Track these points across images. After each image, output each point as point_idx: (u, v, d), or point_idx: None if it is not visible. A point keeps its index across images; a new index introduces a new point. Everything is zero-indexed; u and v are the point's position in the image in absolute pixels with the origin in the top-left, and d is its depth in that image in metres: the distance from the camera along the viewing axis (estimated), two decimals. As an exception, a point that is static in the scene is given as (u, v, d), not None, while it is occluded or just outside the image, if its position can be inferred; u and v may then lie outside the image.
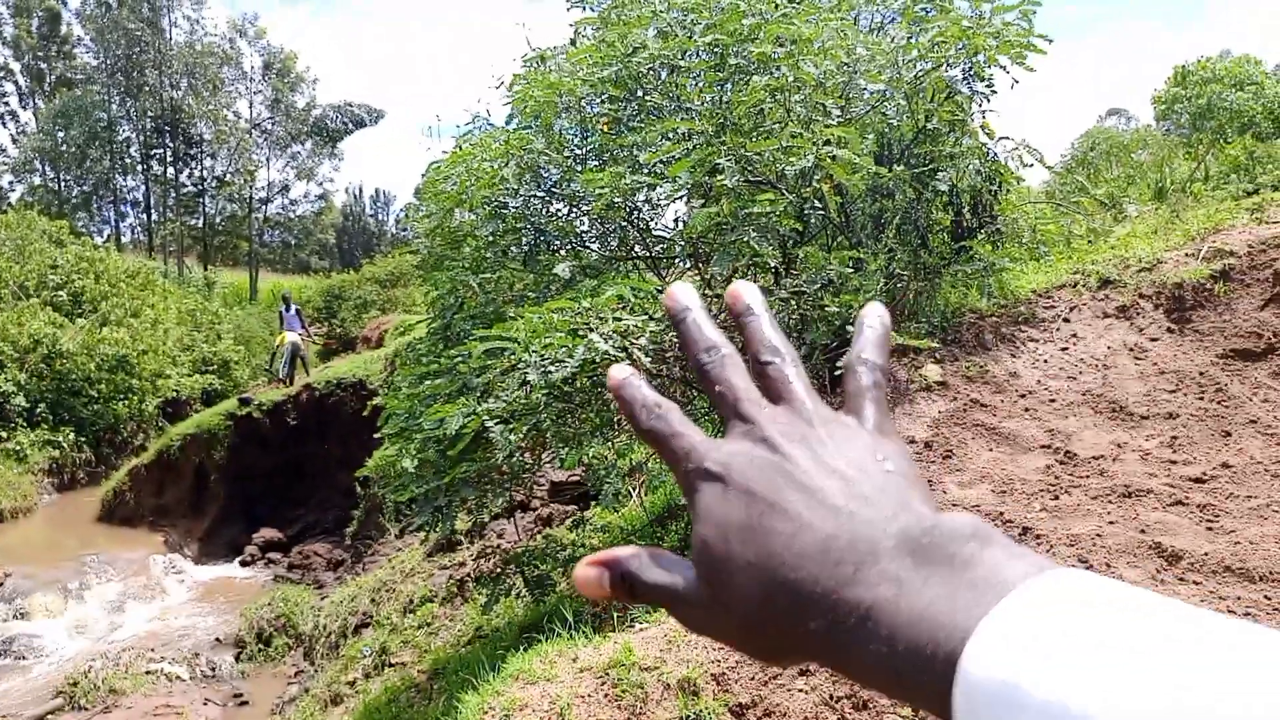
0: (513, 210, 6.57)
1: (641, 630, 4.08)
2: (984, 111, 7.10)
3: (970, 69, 6.73)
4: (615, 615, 4.52)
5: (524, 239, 6.95)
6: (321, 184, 43.07)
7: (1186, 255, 7.08)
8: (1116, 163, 17.05)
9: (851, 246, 6.23)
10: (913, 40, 6.32)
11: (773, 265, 5.89)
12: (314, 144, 40.92)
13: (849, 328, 5.67)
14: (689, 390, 6.20)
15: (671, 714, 3.54)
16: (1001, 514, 4.43)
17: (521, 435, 5.39)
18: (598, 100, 6.87)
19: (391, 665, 8.61)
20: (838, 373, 5.76)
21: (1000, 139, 6.88)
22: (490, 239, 6.58)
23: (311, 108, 40.57)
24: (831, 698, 3.42)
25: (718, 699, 3.52)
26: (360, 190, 62.27)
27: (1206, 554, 3.87)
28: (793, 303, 5.98)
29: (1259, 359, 6.13)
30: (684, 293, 0.54)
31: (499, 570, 6.43)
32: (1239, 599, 3.56)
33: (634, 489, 8.44)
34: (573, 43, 7.52)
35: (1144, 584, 3.75)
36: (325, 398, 17.56)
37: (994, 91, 6.80)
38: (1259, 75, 17.90)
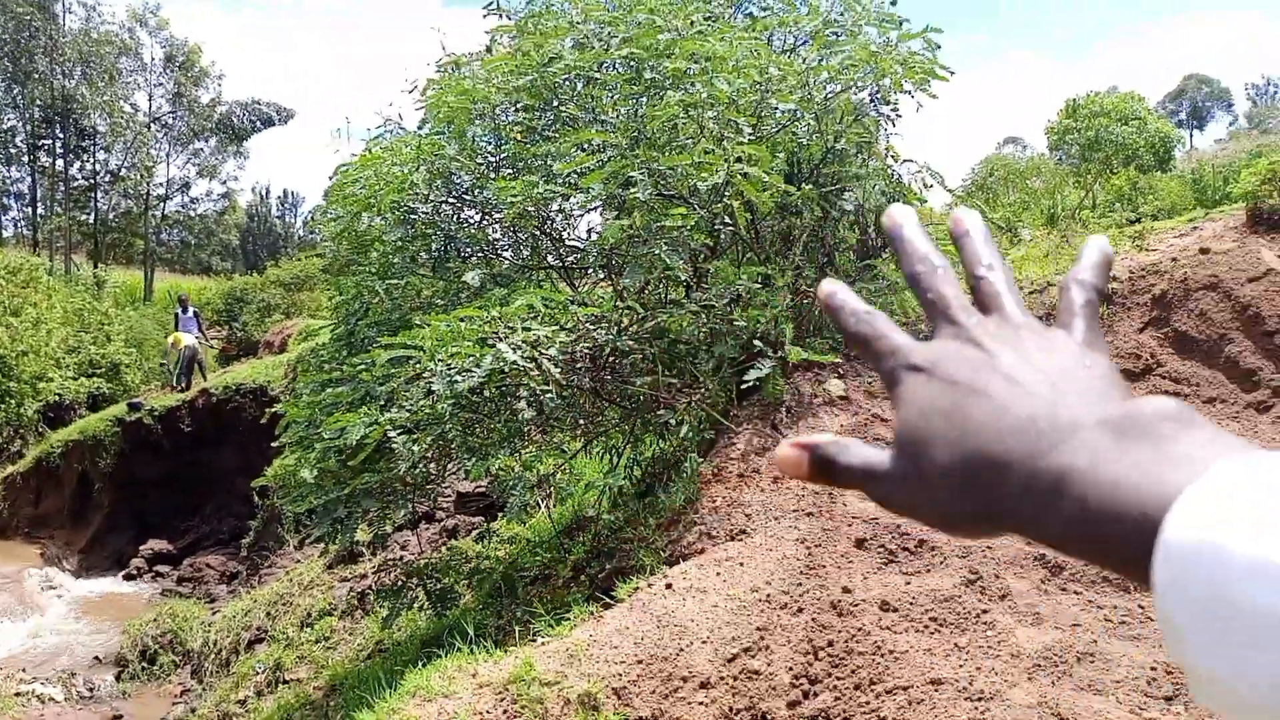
0: (422, 216, 6.46)
1: (544, 644, 4.03)
2: (890, 135, 7.35)
3: (877, 93, 6.95)
4: (518, 629, 4.46)
5: (434, 245, 6.84)
6: (225, 182, 41.41)
7: (1074, 279, 7.42)
8: (1013, 189, 17.85)
9: (760, 262, 6.34)
10: (823, 63, 6.48)
11: (683, 279, 5.93)
12: (218, 141, 39.34)
13: (756, 342, 5.77)
14: (598, 401, 6.19)
15: (572, 729, 3.51)
16: (899, 526, 4.55)
17: (426, 445, 5.29)
18: (512, 109, 6.83)
19: (286, 682, 8.30)
20: (744, 386, 5.84)
21: (904, 161, 7.12)
22: (399, 244, 6.46)
23: (217, 103, 39.03)
24: (731, 710, 3.44)
25: (618, 713, 3.51)
26: (268, 190, 60.28)
27: (1086, 565, 4.06)
28: (702, 316, 6.04)
29: (1138, 379, 6.49)
30: (901, 212, 0.57)
31: (400, 583, 6.28)
32: (1115, 607, 3.75)
33: (541, 500, 8.37)
34: (488, 50, 7.47)
35: (1030, 594, 3.91)
36: (223, 403, 16.88)
37: (899, 115, 7.04)
38: (1142, 111, 19.00)
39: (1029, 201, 15.87)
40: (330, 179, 7.08)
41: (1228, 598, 0.33)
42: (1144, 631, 3.54)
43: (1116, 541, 0.39)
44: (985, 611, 3.77)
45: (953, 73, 6.65)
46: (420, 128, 7.45)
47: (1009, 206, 15.11)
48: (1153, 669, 3.23)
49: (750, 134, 6.10)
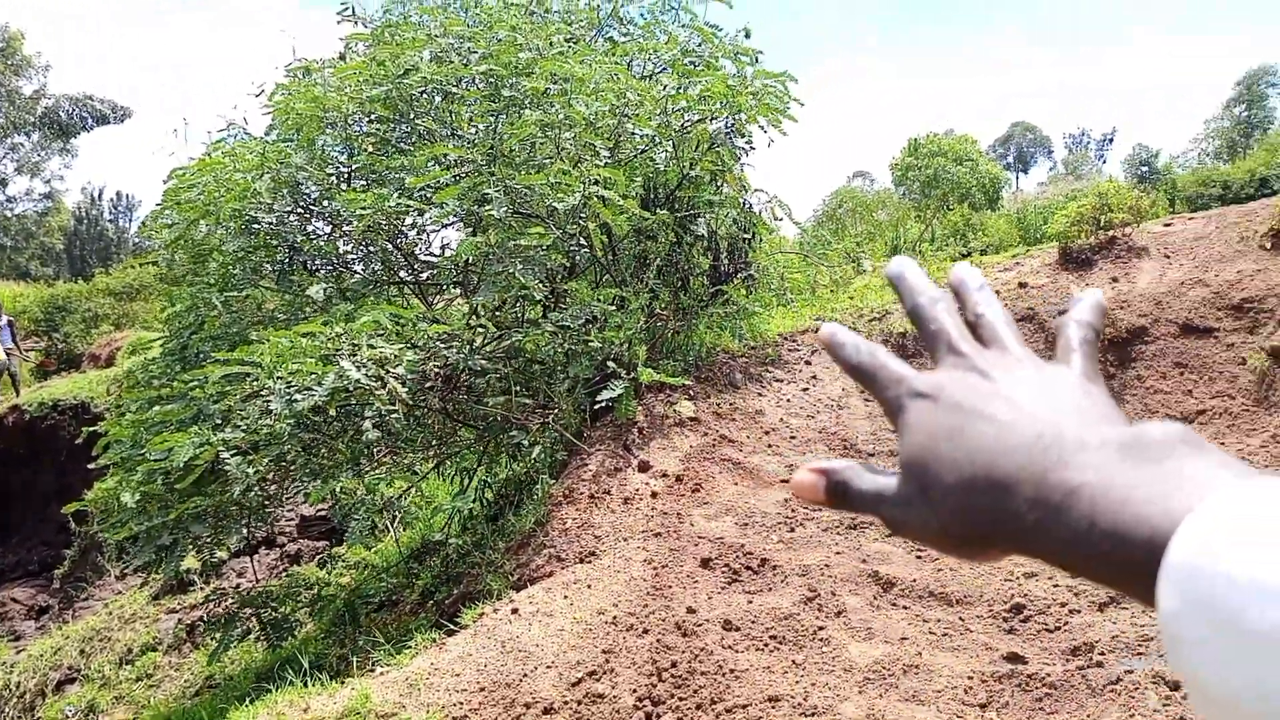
0: (266, 226, 6.16)
1: (383, 674, 3.88)
2: (743, 165, 7.59)
3: (732, 125, 7.17)
4: (356, 660, 4.28)
5: (278, 257, 6.53)
6: (49, 181, 38.24)
7: (910, 309, 7.89)
8: (860, 220, 18.79)
9: (616, 285, 6.39)
10: (682, 91, 6.63)
11: (539, 299, 5.91)
12: (41, 137, 36.30)
13: (610, 363, 5.80)
14: (449, 422, 6.06)
15: (409, 762, 3.39)
16: (743, 545, 4.67)
17: (262, 467, 5.01)
18: (366, 119, 6.63)
19: (101, 725, 7.64)
20: (597, 406, 5.86)
21: (755, 191, 7.36)
22: (239, 255, 6.13)
23: (41, 96, 36.01)
24: (574, 735, 3.41)
25: (458, 743, 3.41)
26: (100, 193, 55.94)
27: (915, 580, 4.28)
28: (558, 337, 6.03)
29: (965, 403, 6.93)
30: (902, 260, 0.60)
31: (232, 613, 5.91)
32: (939, 620, 3.96)
33: (390, 524, 8.09)
34: (342, 57, 7.23)
35: (863, 609, 4.07)
36: (38, 421, 15.42)
37: (752, 147, 7.28)
38: (974, 153, 20.47)
39: (875, 233, 16.73)
40: (165, 183, 6.65)
41: (1231, 616, 0.34)
42: (964, 643, 3.76)
43: (1121, 558, 0.39)
44: (822, 628, 3.91)
45: (803, 104, 6.94)
46: (268, 133, 7.11)
47: (856, 237, 15.87)
48: (969, 678, 3.42)
49: (608, 157, 6.17)
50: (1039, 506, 0.43)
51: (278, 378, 4.85)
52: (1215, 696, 0.35)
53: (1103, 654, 3.43)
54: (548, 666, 3.80)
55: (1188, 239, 8.49)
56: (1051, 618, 3.83)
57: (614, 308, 6.00)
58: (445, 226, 7.16)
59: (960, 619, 3.93)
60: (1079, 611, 3.83)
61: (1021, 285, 8.21)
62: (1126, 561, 0.39)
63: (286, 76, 6.84)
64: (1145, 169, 23.89)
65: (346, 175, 6.71)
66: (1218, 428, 6.32)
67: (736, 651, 3.79)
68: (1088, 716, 3.09)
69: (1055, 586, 4.06)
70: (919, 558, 4.58)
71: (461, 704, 3.57)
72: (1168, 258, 8.23)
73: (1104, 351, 7.22)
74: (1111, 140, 66.83)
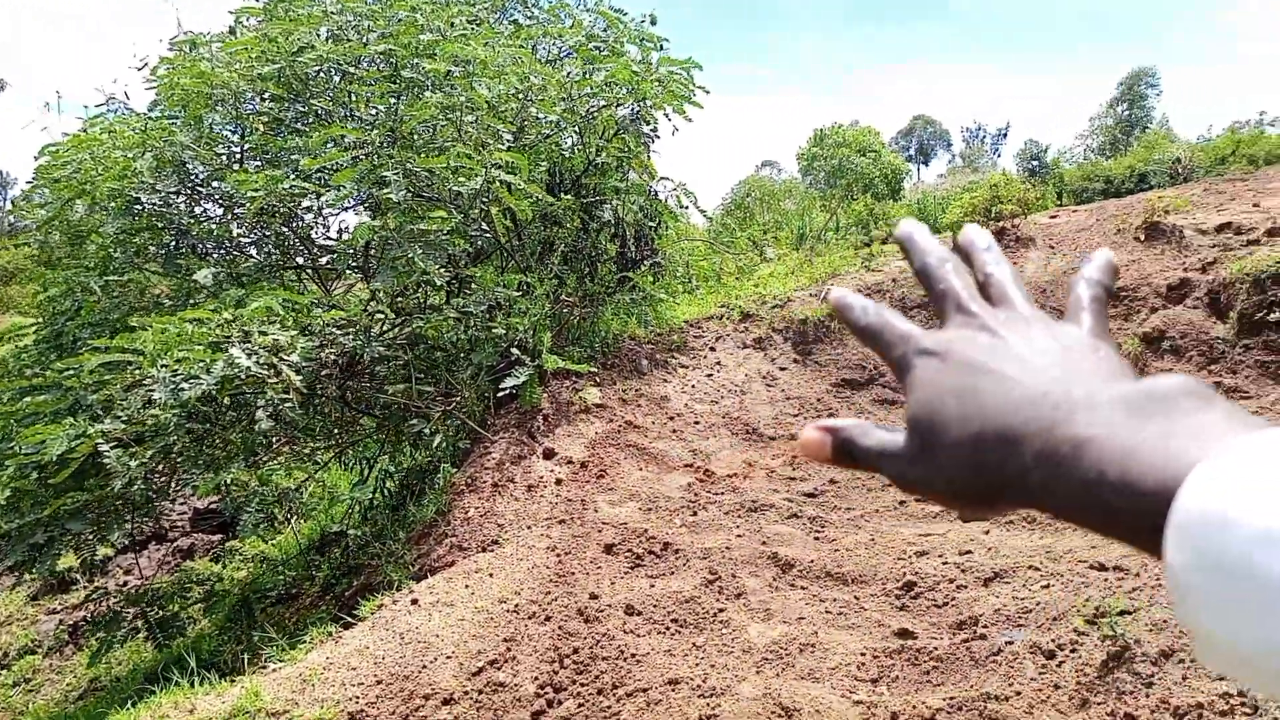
0: (149, 207, 5.86)
1: (275, 671, 3.76)
2: (651, 152, 7.60)
3: (638, 111, 7.16)
4: (247, 658, 4.14)
5: (164, 240, 6.23)
6: (-88, 155, 35.51)
7: (811, 295, 8.08)
8: (768, 209, 19.08)
9: (521, 270, 6.32)
10: (587, 76, 6.59)
11: (440, 285, 5.80)
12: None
13: (514, 350, 5.74)
14: (349, 410, 5.90)
15: (302, 760, 3.30)
16: (646, 530, 4.70)
17: (146, 460, 4.79)
18: (258, 98, 6.37)
19: (-28, 735, 7.20)
20: (501, 394, 5.80)
21: (661, 179, 7.39)
22: (119, 237, 5.82)
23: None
24: (472, 725, 3.38)
25: (353, 738, 3.34)
26: (-31, 167, 52.47)
27: (813, 561, 4.38)
28: (461, 323, 5.93)
29: (863, 387, 7.14)
30: (911, 222, 0.61)
31: (114, 612, 5.64)
32: (835, 599, 4.07)
33: (290, 516, 7.85)
34: (232, 31, 6.92)
35: (762, 591, 4.16)
36: (-98, 413, 14.41)
37: (658, 134, 7.30)
38: (877, 144, 21.01)
39: (781, 222, 17.00)
40: (37, 159, 6.25)
41: (1237, 565, 0.34)
42: (858, 620, 3.88)
43: (1129, 511, 0.39)
44: (722, 610, 3.97)
45: (708, 92, 6.99)
46: (151, 110, 6.76)
47: (764, 225, 16.11)
48: (862, 654, 3.53)
49: (511, 141, 6.08)
50: (1046, 460, 0.43)
51: (162, 366, 4.63)
52: (1224, 648, 0.36)
53: (986, 626, 3.58)
54: (448, 657, 3.75)
55: (1071, 230, 8.91)
56: (940, 594, 3.98)
57: (519, 294, 5.94)
58: (345, 210, 6.96)
59: (855, 598, 4.04)
60: (966, 587, 3.99)
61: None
62: (1135, 513, 0.39)
63: (171, 50, 6.51)
64: (1035, 163, 24.95)
65: (238, 156, 6.44)
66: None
67: (638, 636, 3.82)
68: (971, 686, 3.23)
69: (944, 564, 4.22)
70: (816, 539, 4.69)
71: (358, 698, 3.49)
72: (1052, 248, 8.62)
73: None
74: (1006, 135, 69.62)
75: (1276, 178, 10.80)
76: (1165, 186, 13.19)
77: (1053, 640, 3.23)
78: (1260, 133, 18.33)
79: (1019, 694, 2.99)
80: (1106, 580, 3.62)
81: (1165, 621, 3.01)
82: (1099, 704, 2.79)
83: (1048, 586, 3.73)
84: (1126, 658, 2.94)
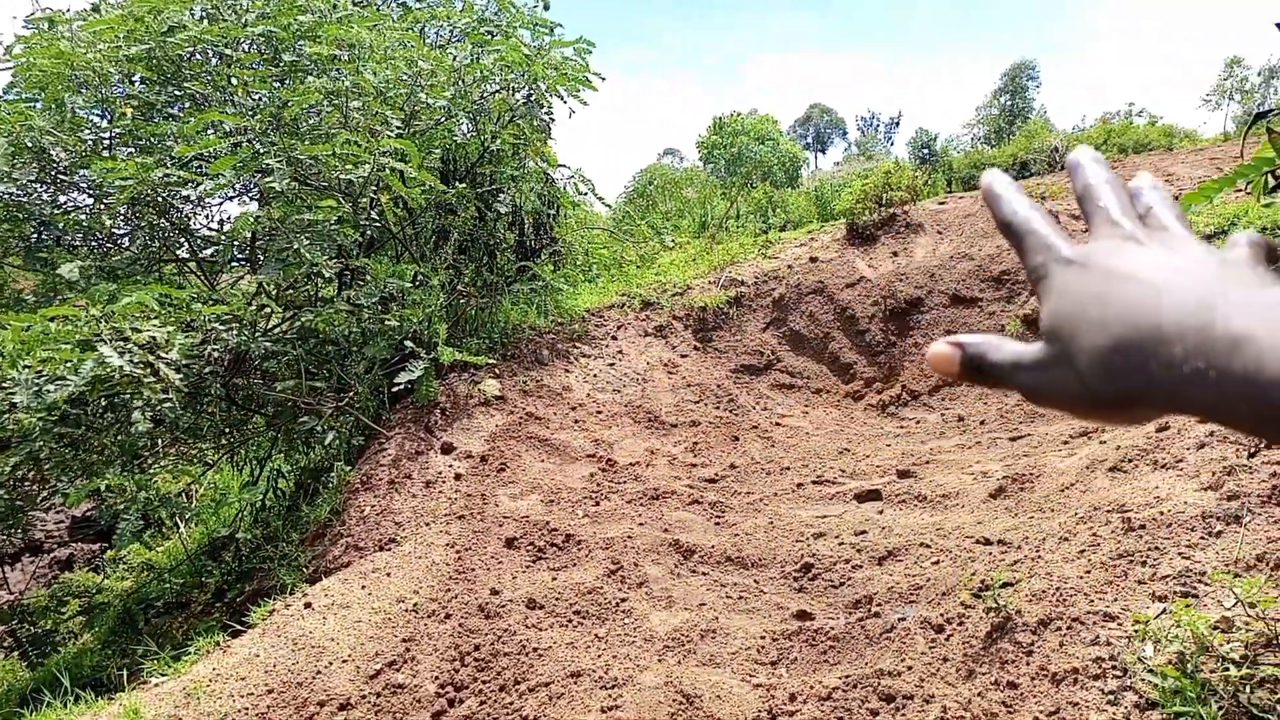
0: (6, 197, 5.46)
1: (157, 686, 3.58)
2: (548, 139, 7.51)
3: (532, 95, 7.06)
4: (127, 673, 3.93)
5: (25, 231, 5.82)
6: None
7: (710, 283, 8.15)
8: (670, 196, 19.16)
9: (415, 261, 6.16)
10: (477, 60, 6.45)
11: (330, 276, 5.59)
12: None
13: (409, 343, 5.60)
14: (235, 409, 5.65)
15: (187, 778, 3.15)
16: (548, 523, 4.65)
17: (9, 468, 4.47)
18: (126, 80, 6.00)
19: None
20: (397, 388, 5.65)
21: (559, 166, 7.31)
22: (-30, 229, 5.41)
23: None
24: (369, 730, 3.29)
25: (242, 752, 3.20)
26: None
27: (714, 546, 4.43)
28: (353, 316, 5.74)
29: (761, 373, 7.24)
30: (1083, 150, 0.60)
31: (-18, 633, 5.27)
32: (736, 584, 4.12)
33: (178, 521, 7.48)
34: (95, 9, 6.49)
35: (664, 579, 4.17)
36: None
37: (553, 119, 7.21)
38: (775, 133, 21.36)
39: (683, 209, 17.09)
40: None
41: None
42: (758, 604, 3.93)
43: None
44: (624, 600, 3.96)
45: (604, 78, 6.94)
46: (6, 92, 6.29)
47: (665, 213, 16.16)
48: (762, 638, 3.58)
49: (401, 128, 5.91)
50: (1200, 356, 0.42)
51: (24, 367, 4.33)
52: None
53: (879, 605, 3.68)
54: (344, 661, 3.64)
55: (958, 216, 9.24)
56: (836, 574, 4.07)
57: (413, 285, 5.79)
58: (229, 199, 6.65)
59: (755, 581, 4.10)
60: (861, 567, 4.09)
61: (813, 260, 8.65)
62: None
63: (26, 28, 6.07)
64: (926, 151, 25.80)
65: (106, 142, 6.06)
66: (980, 390, 6.94)
67: (540, 630, 3.78)
68: (866, 664, 3.31)
69: (841, 545, 4.32)
70: (717, 524, 4.74)
71: (248, 709, 3.35)
72: (940, 233, 8.92)
73: (885, 320, 7.77)
74: (898, 123, 71.75)
75: (1143, 165, 11.47)
76: (1044, 174, 13.84)
77: (941, 615, 3.34)
78: (1129, 123, 19.42)
79: (910, 669, 3.08)
80: (991, 554, 3.77)
81: (1043, 592, 3.14)
82: (984, 674, 2.90)
83: (938, 563, 3.86)
84: (1009, 628, 3.06)
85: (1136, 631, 2.75)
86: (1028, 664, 2.85)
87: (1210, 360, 0.41)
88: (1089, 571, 3.20)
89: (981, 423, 6.08)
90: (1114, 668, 2.67)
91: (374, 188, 5.41)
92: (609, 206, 8.21)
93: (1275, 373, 0.39)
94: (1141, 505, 3.58)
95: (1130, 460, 4.12)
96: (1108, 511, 3.64)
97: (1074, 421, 5.13)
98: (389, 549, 4.51)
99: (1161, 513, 3.40)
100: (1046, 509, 4.09)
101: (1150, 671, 2.57)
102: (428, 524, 4.71)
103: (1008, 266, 7.85)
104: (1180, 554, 3.09)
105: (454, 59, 6.24)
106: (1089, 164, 0.60)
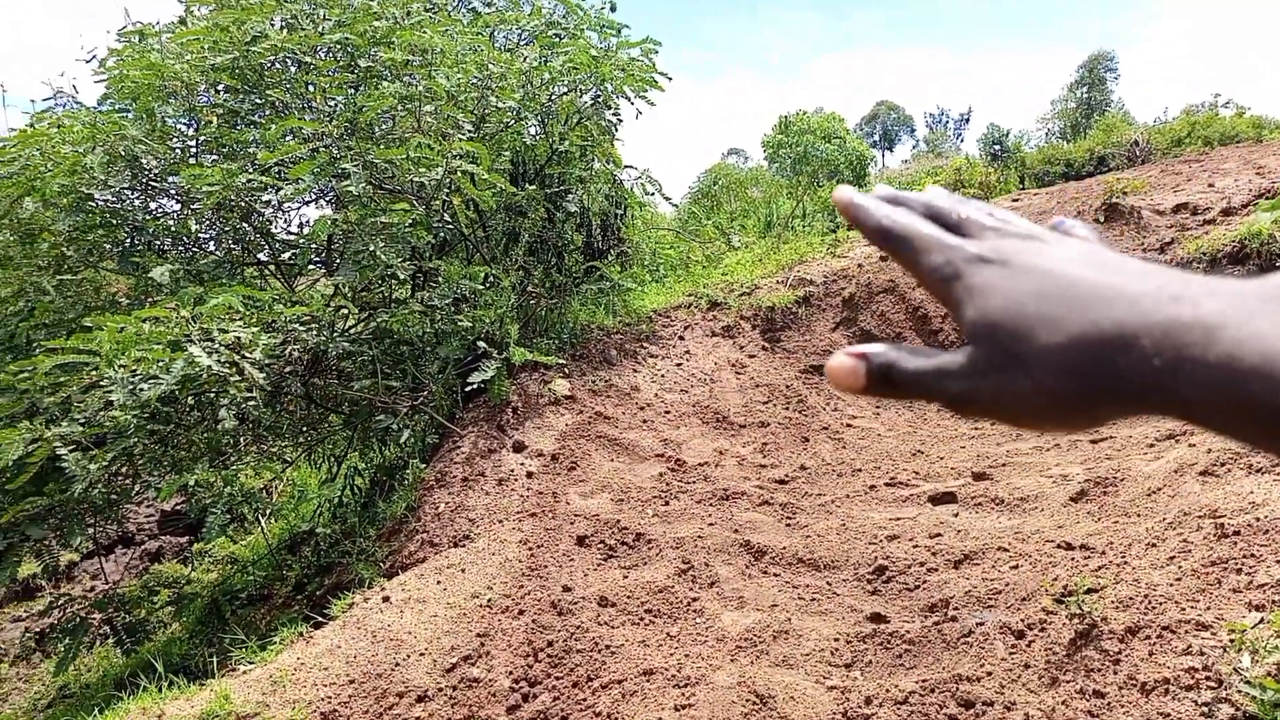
0: (101, 204, 5.72)
1: (245, 673, 3.70)
2: (615, 140, 7.55)
3: (599, 97, 7.11)
4: (217, 661, 4.07)
5: (119, 237, 6.08)
6: None
7: (778, 283, 8.09)
8: (734, 196, 19.09)
9: (486, 262, 6.26)
10: (546, 63, 6.52)
11: (404, 278, 5.72)
12: None
13: (481, 343, 5.69)
14: (313, 408, 5.82)
15: (274, 763, 3.25)
16: (618, 521, 4.68)
17: (106, 463, 4.68)
18: (211, 90, 6.23)
19: (-65, 748, 7.03)
20: (469, 388, 5.74)
21: (626, 167, 7.34)
22: (71, 235, 5.67)
23: None
24: (447, 722, 3.35)
25: (325, 740, 3.30)
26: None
27: (785, 547, 4.39)
28: (427, 317, 5.86)
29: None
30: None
31: (79, 618, 5.52)
32: (808, 586, 4.08)
33: (259, 515, 7.74)
34: (182, 21, 6.75)
35: (735, 579, 4.16)
36: None
37: (620, 120, 7.25)
38: (841, 131, 21.08)
39: (748, 209, 17.00)
40: (-18, 156, 6.06)
41: None
42: (831, 606, 3.89)
43: (1270, 397, 0.37)
44: (695, 599, 3.96)
45: (670, 78, 6.94)
46: (101, 103, 6.59)
47: (730, 212, 16.10)
48: (835, 640, 3.55)
49: (472, 132, 6.01)
50: (1170, 348, 0.40)
51: (120, 366, 4.52)
52: None
53: (956, 609, 3.61)
54: (420, 654, 3.71)
55: (1033, 212, 9.00)
56: (911, 577, 4.00)
57: (484, 286, 5.88)
58: (307, 204, 6.85)
59: (828, 583, 4.06)
60: (936, 570, 4.02)
61: (884, 258, 8.51)
62: (1273, 404, 0.37)
63: (119, 41, 6.34)
64: (998, 147, 25.18)
65: (193, 149, 6.30)
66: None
67: (612, 627, 3.80)
68: (943, 668, 3.25)
69: (915, 548, 4.24)
70: (788, 525, 4.70)
71: (330, 699, 3.45)
72: (1016, 230, 8.68)
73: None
74: (968, 119, 70.23)
75: (1230, 158, 11.00)
76: (1124, 168, 13.36)
77: (1022, 620, 3.26)
78: (1214, 114, 18.65)
79: (990, 674, 3.01)
80: (1073, 559, 3.66)
81: (1131, 599, 3.04)
82: (1068, 682, 2.82)
83: (1016, 567, 3.76)
84: (1094, 635, 2.97)
85: (1232, 641, 2.65)
86: (1115, 673, 2.76)
87: (1183, 351, 0.39)
88: (1179, 579, 3.09)
89: (1061, 424, 5.90)
90: (1208, 679, 2.57)
91: (446, 190, 5.51)
92: (675, 206, 8.21)
93: (1254, 363, 0.38)
94: (1235, 511, 3.43)
95: (1222, 464, 3.96)
96: (1199, 517, 3.51)
97: (1161, 424, 4.94)
98: (463, 545, 4.59)
99: (1257, 519, 3.26)
100: (1132, 514, 3.96)
101: (1248, 683, 2.47)
102: (500, 521, 4.78)
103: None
104: (1278, 562, 2.96)
105: (523, 61, 6.32)
106: (931, 192, 0.57)
